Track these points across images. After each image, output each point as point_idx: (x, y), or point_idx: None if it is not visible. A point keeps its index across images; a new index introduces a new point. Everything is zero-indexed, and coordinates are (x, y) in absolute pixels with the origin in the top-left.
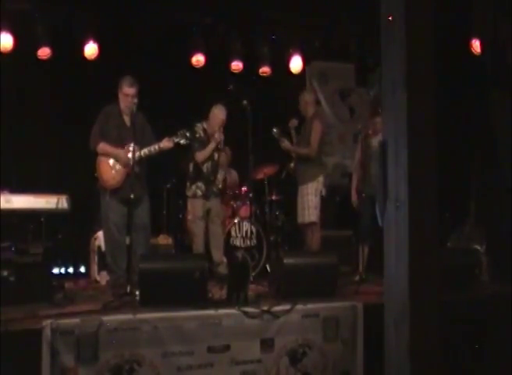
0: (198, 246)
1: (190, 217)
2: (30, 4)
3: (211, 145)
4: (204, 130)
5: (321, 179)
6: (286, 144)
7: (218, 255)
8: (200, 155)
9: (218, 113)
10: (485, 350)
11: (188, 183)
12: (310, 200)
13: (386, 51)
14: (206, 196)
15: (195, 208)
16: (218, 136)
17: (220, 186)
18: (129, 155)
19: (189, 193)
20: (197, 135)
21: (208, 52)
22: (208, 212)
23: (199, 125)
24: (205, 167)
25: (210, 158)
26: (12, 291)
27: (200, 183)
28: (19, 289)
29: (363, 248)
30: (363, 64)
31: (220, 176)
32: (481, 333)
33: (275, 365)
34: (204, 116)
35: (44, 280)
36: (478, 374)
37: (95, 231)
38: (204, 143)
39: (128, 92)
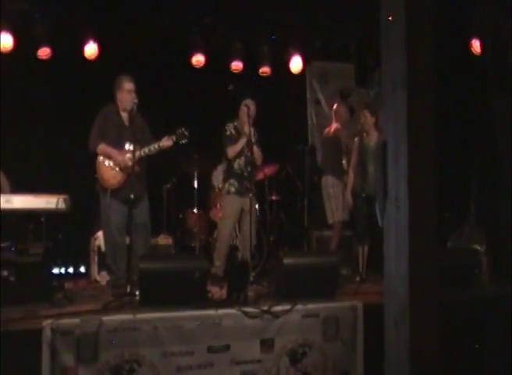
0: (222, 245)
1: (220, 215)
2: (30, 4)
3: (242, 140)
4: (236, 128)
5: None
6: None
7: (245, 255)
8: (231, 150)
9: (244, 108)
10: (485, 350)
11: (223, 182)
12: None
13: (386, 51)
14: (240, 193)
15: (227, 205)
16: (247, 129)
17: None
18: (128, 156)
19: (223, 191)
20: (227, 133)
21: (208, 52)
22: (241, 211)
23: (230, 124)
24: (237, 163)
25: (241, 154)
26: (12, 291)
27: (232, 181)
28: (19, 289)
29: (362, 248)
30: (363, 64)
31: (254, 173)
32: (481, 333)
33: (275, 365)
34: (203, 115)
35: (44, 280)
36: (478, 374)
37: (95, 231)
38: (234, 139)
39: (130, 87)
